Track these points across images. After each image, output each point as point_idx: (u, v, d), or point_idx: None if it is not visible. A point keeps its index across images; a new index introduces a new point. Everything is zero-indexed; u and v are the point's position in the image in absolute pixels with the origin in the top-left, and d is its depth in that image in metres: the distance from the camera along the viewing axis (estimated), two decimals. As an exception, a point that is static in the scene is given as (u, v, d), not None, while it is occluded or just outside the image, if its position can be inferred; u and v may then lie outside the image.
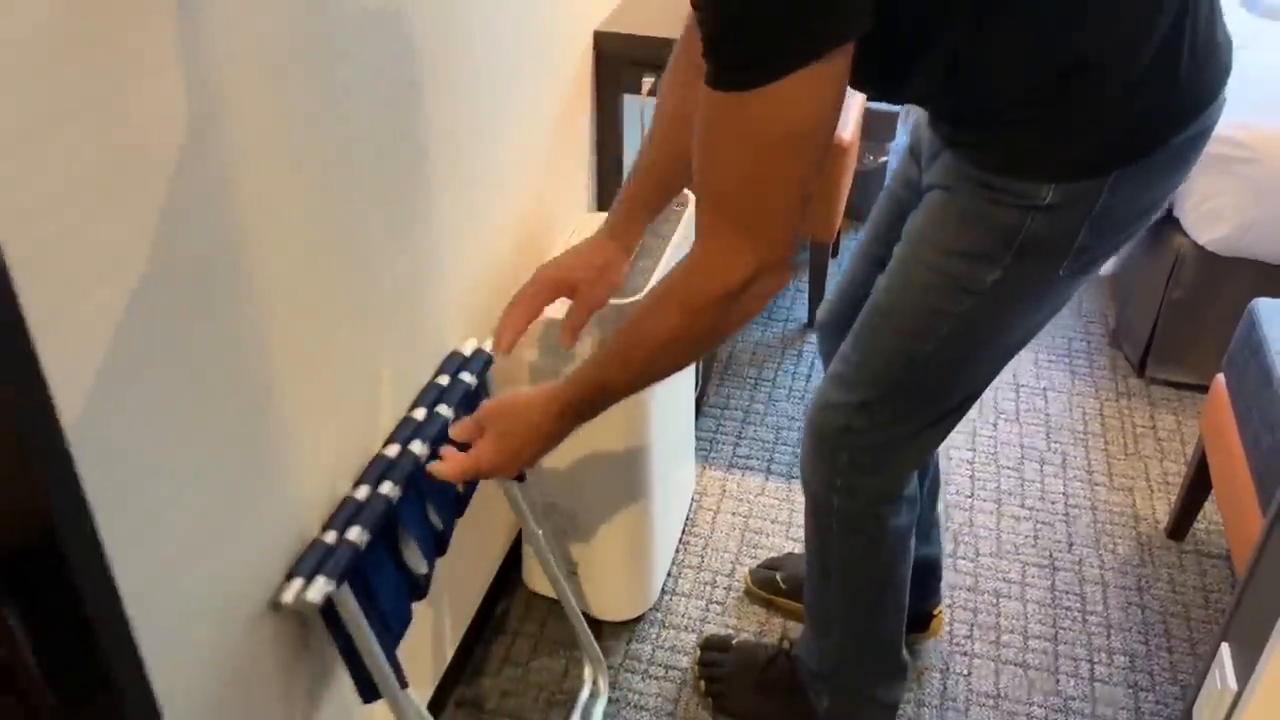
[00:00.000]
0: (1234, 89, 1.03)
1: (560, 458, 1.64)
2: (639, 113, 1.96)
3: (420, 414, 1.27)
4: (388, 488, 1.15)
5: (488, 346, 1.39)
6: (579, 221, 1.72)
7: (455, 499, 1.37)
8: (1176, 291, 2.20)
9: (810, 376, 2.32)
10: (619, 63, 1.84)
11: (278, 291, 0.98)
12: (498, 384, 1.41)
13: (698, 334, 1.01)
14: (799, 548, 1.89)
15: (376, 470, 1.19)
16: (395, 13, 1.13)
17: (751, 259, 0.94)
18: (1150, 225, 2.24)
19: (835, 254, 2.76)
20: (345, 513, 1.13)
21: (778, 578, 1.79)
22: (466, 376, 1.33)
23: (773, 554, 1.88)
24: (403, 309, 1.25)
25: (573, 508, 1.66)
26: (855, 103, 2.28)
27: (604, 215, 1.55)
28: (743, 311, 0.99)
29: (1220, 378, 1.76)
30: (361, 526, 1.10)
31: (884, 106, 2.85)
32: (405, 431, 1.24)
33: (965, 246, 1.12)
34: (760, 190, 0.91)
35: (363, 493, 1.16)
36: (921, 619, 1.70)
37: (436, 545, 1.30)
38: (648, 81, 1.84)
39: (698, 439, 2.13)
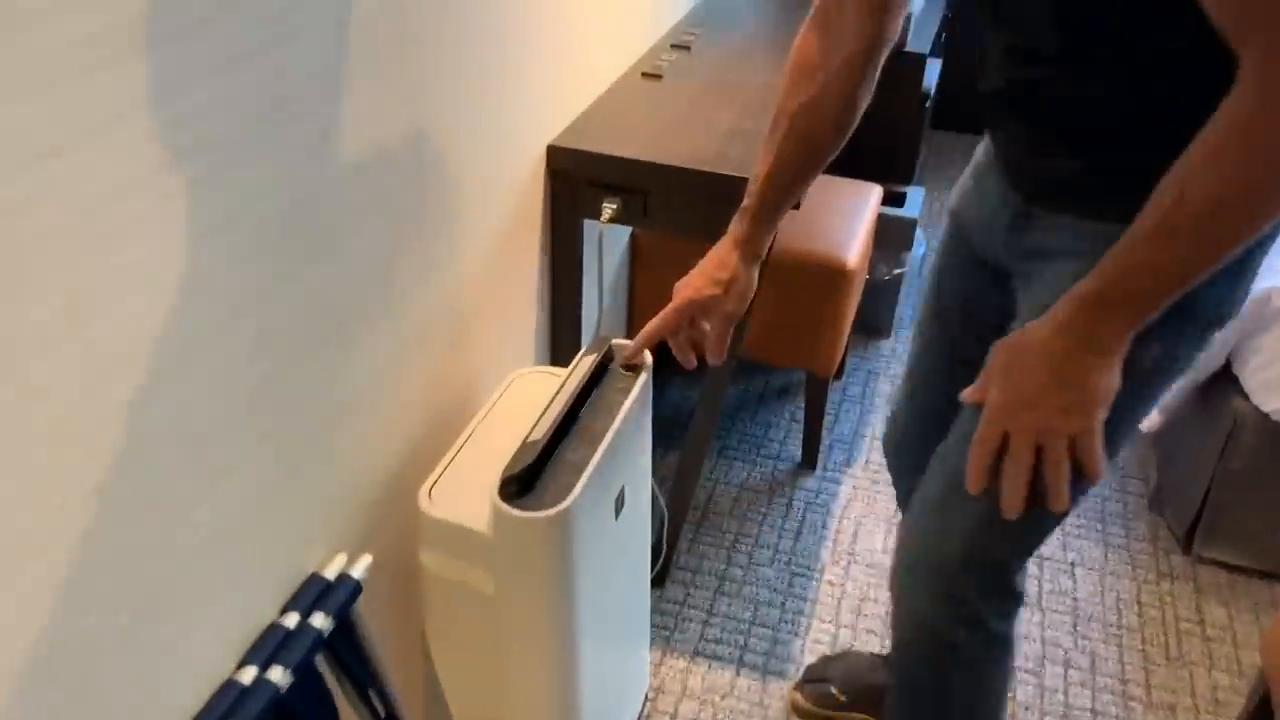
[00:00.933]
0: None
1: (469, 669, 1.33)
2: (597, 240, 1.68)
3: (249, 675, 0.97)
4: (171, 807, 0.85)
5: (358, 569, 1.10)
6: (516, 376, 1.43)
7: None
8: (1234, 461, 1.88)
9: (799, 534, 2.00)
10: (576, 183, 1.55)
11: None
12: (366, 616, 1.11)
13: (1268, 179, 0.81)
14: (768, 771, 1.57)
15: (168, 770, 0.89)
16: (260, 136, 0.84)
17: None
18: (1203, 381, 1.95)
19: (839, 376, 2.46)
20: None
21: (833, 690, 1.62)
22: (319, 619, 1.03)
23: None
24: (245, 524, 0.96)
25: (483, 735, 1.35)
26: (862, 224, 1.98)
27: (553, 369, 1.41)
28: None
29: (1292, 604, 1.43)
30: None
31: (899, 212, 2.55)
32: (218, 710, 0.94)
33: None
34: None
35: (142, 807, 0.86)
36: None
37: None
38: (610, 207, 1.55)
39: (661, 613, 1.81)
